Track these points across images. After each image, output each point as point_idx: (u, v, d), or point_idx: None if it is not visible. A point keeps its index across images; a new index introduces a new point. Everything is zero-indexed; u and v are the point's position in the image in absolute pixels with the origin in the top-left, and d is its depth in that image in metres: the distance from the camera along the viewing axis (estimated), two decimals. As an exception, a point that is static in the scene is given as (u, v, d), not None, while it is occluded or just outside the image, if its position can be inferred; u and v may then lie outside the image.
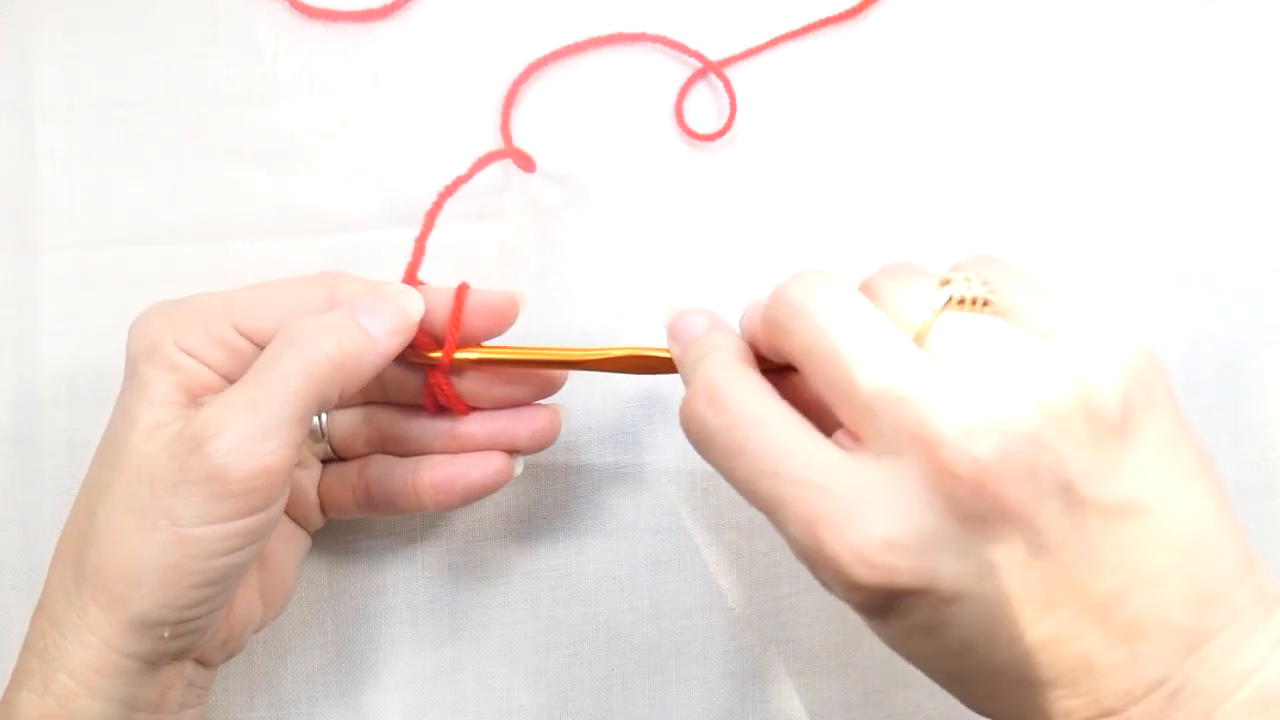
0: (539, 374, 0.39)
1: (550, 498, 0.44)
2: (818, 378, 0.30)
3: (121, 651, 0.33)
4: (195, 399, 0.34)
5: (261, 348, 0.35)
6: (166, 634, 0.33)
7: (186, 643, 0.34)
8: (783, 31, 0.45)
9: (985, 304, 0.30)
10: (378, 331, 0.35)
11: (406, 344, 0.37)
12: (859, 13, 0.45)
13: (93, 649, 0.32)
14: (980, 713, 0.30)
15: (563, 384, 0.40)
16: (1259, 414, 0.45)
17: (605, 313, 0.44)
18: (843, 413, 0.30)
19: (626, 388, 0.44)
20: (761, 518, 0.31)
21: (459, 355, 0.38)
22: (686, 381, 0.33)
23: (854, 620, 0.44)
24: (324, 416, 0.40)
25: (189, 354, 0.34)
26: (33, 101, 0.43)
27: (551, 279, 0.44)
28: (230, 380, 0.35)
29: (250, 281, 0.43)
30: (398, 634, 0.43)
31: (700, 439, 0.31)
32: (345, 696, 0.43)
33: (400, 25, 0.44)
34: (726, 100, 0.45)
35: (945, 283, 0.30)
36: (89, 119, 0.43)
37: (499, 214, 0.44)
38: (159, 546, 0.32)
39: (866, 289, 0.32)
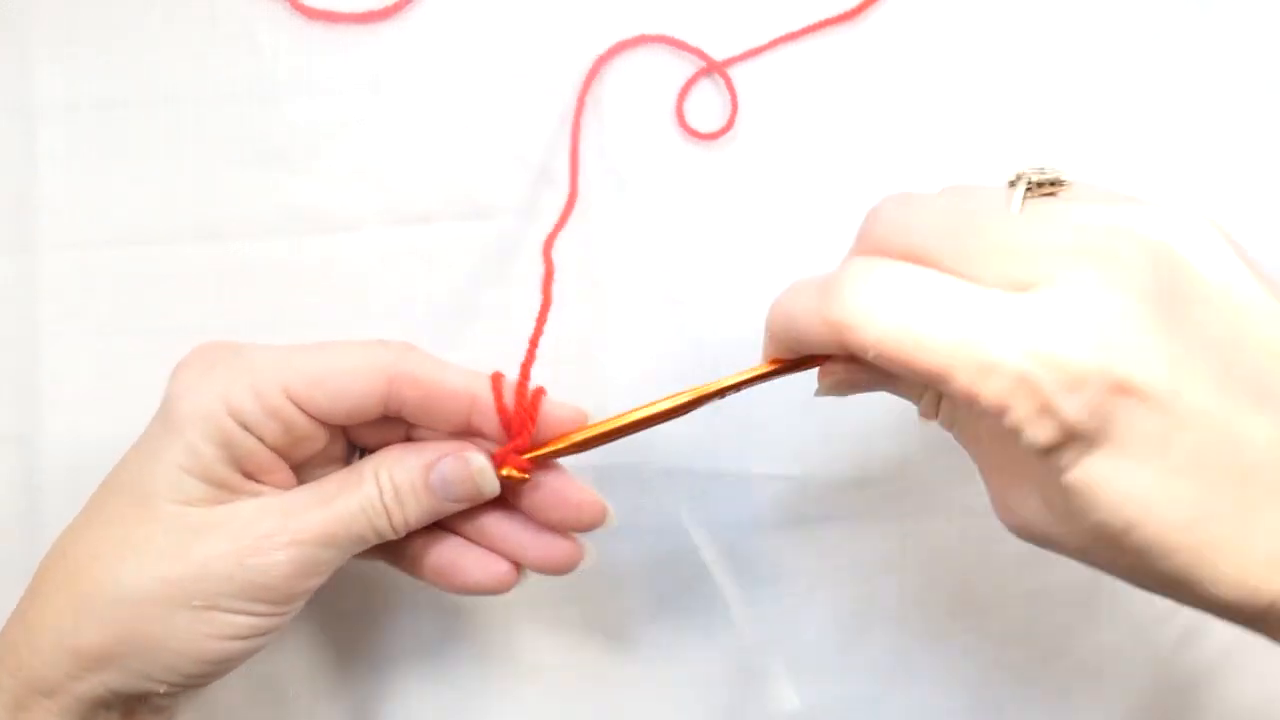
0: (587, 507, 0.37)
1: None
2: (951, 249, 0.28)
3: (109, 691, 0.33)
4: (247, 474, 0.34)
5: (316, 420, 0.35)
6: (162, 690, 0.33)
7: (171, 703, 0.35)
8: (784, 32, 0.45)
9: (1059, 184, 0.30)
10: (446, 497, 0.35)
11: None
12: (859, 12, 0.45)
13: (80, 689, 0.33)
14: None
15: (610, 522, 0.37)
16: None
17: (606, 312, 0.44)
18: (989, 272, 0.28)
19: (619, 390, 0.44)
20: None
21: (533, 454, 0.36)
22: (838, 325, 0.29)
23: (854, 620, 0.44)
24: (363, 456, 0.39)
25: (245, 427, 0.34)
26: (33, 101, 0.43)
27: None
28: (282, 450, 0.35)
29: (250, 281, 0.43)
30: (397, 634, 0.43)
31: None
32: (343, 697, 0.43)
33: (401, 26, 0.44)
34: (727, 100, 0.45)
35: (1014, 181, 0.30)
36: (89, 119, 0.43)
37: (499, 213, 0.44)
38: (186, 622, 0.32)
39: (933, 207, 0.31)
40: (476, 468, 0.35)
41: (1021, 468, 0.30)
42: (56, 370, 0.43)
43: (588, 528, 0.37)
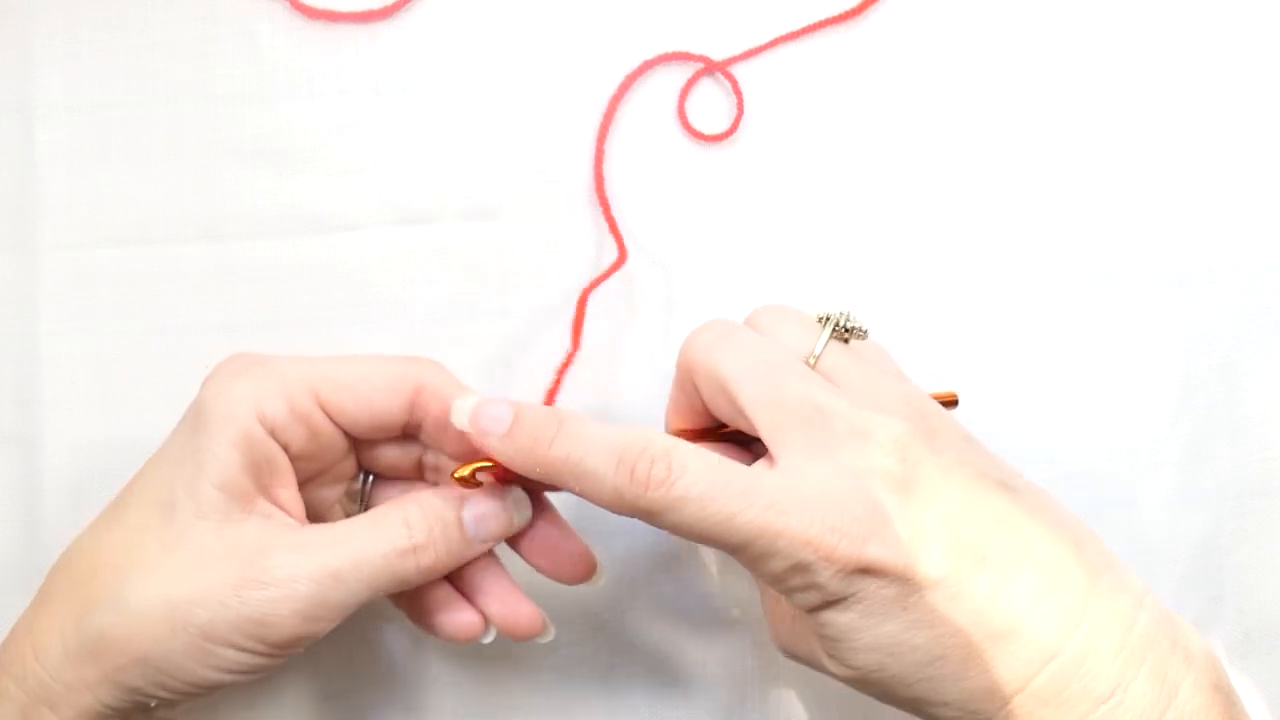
0: (578, 558, 0.37)
1: (550, 497, 0.44)
2: (746, 395, 0.33)
3: (105, 706, 0.32)
4: (262, 487, 0.34)
5: (341, 429, 0.35)
6: (154, 704, 0.33)
7: (172, 711, 0.34)
8: (783, 32, 0.45)
9: (856, 333, 0.36)
10: (476, 535, 0.35)
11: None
12: (860, 12, 0.45)
13: (82, 701, 0.32)
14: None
15: (597, 579, 0.38)
16: (1258, 414, 0.45)
17: (607, 312, 0.44)
18: (768, 424, 0.33)
19: (626, 388, 0.44)
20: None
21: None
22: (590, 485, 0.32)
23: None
24: (369, 480, 0.38)
25: (272, 432, 0.34)
26: (33, 101, 0.43)
27: (552, 279, 0.44)
28: (300, 461, 0.35)
29: (250, 281, 0.43)
30: (397, 635, 0.43)
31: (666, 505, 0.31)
32: (344, 697, 0.43)
33: (400, 26, 0.44)
34: (732, 101, 0.45)
35: (823, 320, 0.36)
36: (89, 119, 0.43)
37: (499, 213, 0.44)
38: (184, 648, 0.32)
39: (755, 326, 0.36)
40: (512, 499, 0.35)
41: (797, 615, 0.34)
42: (56, 371, 0.43)
43: (575, 580, 0.37)
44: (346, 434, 0.36)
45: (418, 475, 0.38)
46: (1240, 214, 0.46)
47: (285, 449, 0.34)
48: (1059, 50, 0.46)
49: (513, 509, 0.35)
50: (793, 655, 0.36)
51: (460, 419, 0.33)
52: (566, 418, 0.32)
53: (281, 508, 0.34)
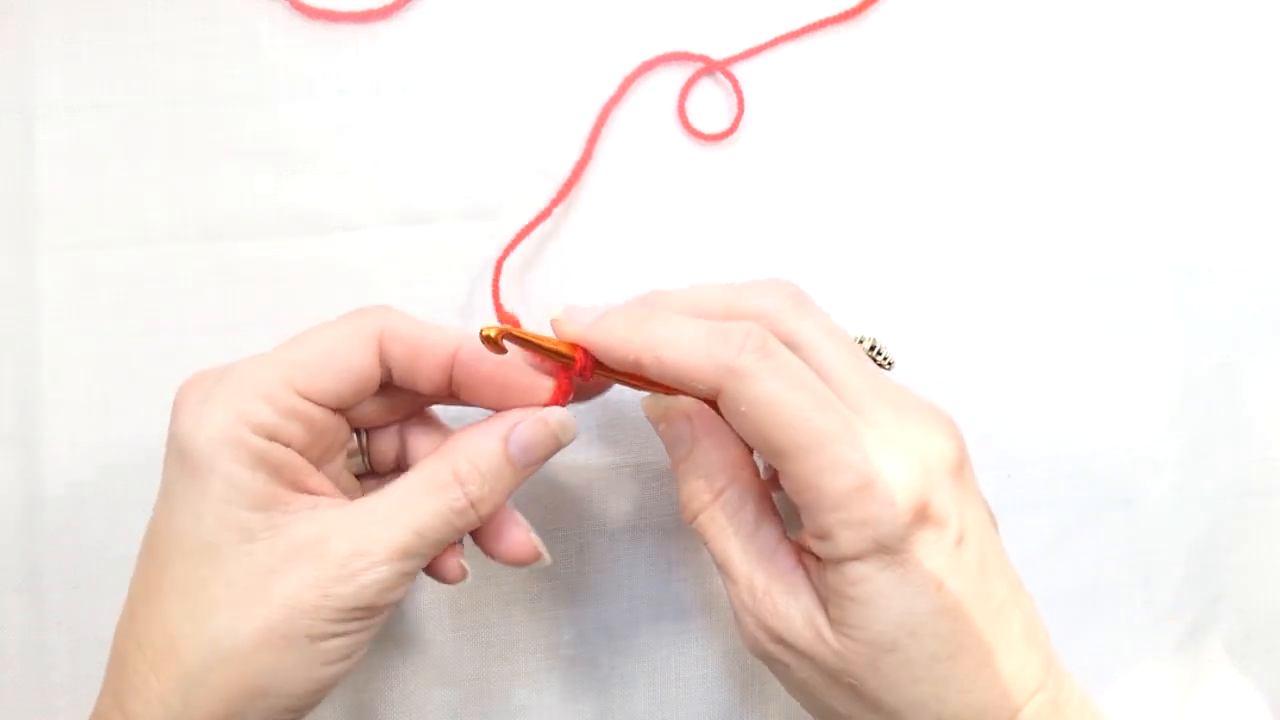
0: (520, 547, 0.37)
1: (550, 498, 0.44)
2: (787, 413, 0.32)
3: None
4: (290, 484, 0.33)
5: (330, 408, 0.34)
6: None
7: None
8: (783, 32, 0.45)
9: (881, 363, 0.37)
10: (525, 464, 0.35)
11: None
12: (860, 12, 0.45)
13: None
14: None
15: (542, 563, 0.37)
16: (1259, 414, 0.45)
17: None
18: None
19: (627, 389, 0.44)
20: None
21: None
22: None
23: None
24: (364, 436, 0.38)
25: (270, 437, 0.33)
26: (33, 101, 0.43)
27: (554, 277, 0.44)
28: (305, 451, 0.34)
29: (250, 281, 0.43)
30: (398, 635, 0.43)
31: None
32: (344, 697, 0.43)
33: (400, 26, 0.44)
34: (732, 100, 0.45)
35: (858, 341, 0.36)
36: (89, 119, 0.43)
37: (499, 213, 0.44)
38: (295, 660, 0.32)
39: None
40: (556, 421, 0.35)
41: (795, 581, 0.33)
42: (57, 371, 0.43)
43: (517, 564, 0.37)
44: (334, 409, 0.35)
45: (404, 417, 0.38)
46: (1240, 214, 0.46)
47: (289, 446, 0.34)
48: (1059, 51, 0.46)
49: (558, 430, 0.35)
50: (767, 644, 0.34)
51: (555, 311, 0.34)
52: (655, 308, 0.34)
53: (320, 492, 0.34)
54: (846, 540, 0.31)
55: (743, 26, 0.45)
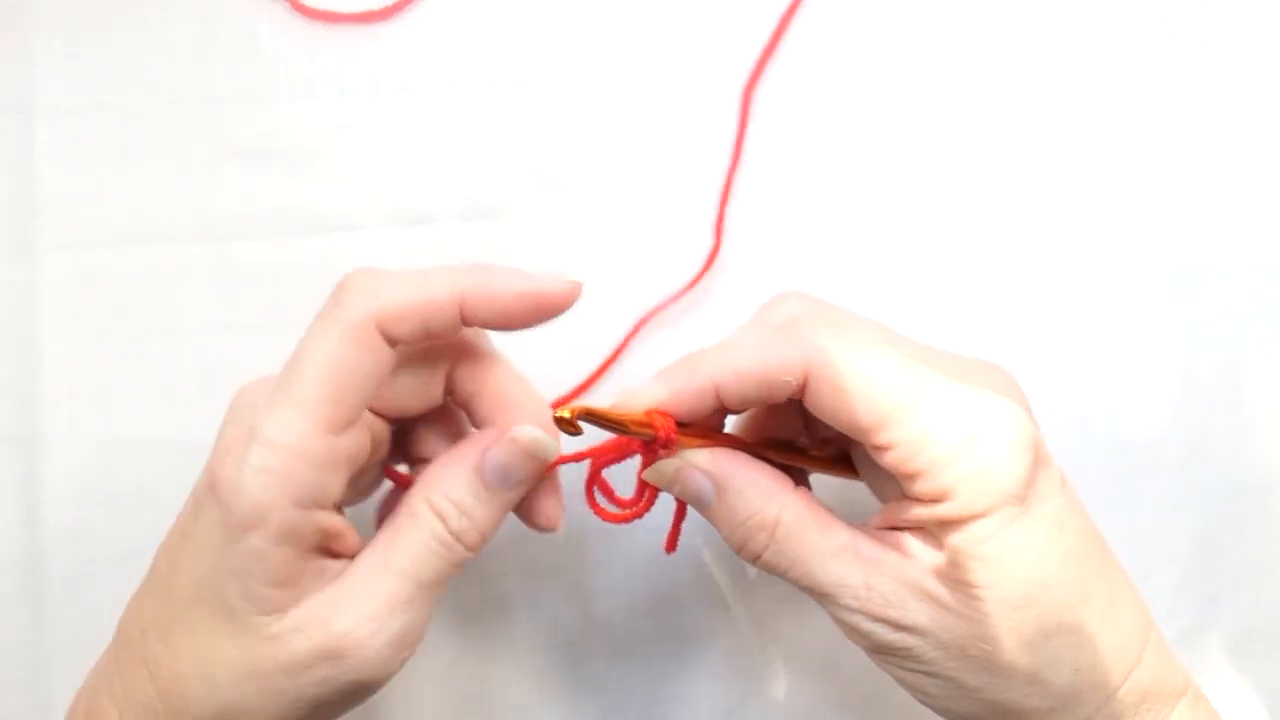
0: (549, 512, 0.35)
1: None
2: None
3: None
4: (319, 550, 0.31)
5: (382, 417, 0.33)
6: None
7: None
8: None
9: None
10: (506, 487, 0.33)
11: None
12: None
13: None
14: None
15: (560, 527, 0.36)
16: (1259, 414, 0.45)
17: (608, 312, 0.44)
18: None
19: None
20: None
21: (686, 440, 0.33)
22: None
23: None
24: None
25: (312, 505, 0.30)
26: (33, 101, 0.43)
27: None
28: (359, 477, 0.33)
29: (250, 281, 0.43)
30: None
31: None
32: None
33: (400, 27, 0.44)
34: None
35: None
36: (89, 119, 0.43)
37: (499, 213, 0.44)
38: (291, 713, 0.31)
39: None
40: (527, 439, 0.32)
41: (893, 563, 0.31)
42: (57, 371, 0.43)
43: (536, 528, 0.35)
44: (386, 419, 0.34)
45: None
46: (1240, 214, 0.46)
47: (326, 498, 0.31)
48: (1060, 52, 0.46)
49: (531, 448, 0.32)
50: (888, 635, 0.31)
51: (631, 399, 0.32)
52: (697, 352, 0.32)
53: (334, 553, 0.32)
54: (971, 495, 0.29)
55: (743, 27, 0.45)
